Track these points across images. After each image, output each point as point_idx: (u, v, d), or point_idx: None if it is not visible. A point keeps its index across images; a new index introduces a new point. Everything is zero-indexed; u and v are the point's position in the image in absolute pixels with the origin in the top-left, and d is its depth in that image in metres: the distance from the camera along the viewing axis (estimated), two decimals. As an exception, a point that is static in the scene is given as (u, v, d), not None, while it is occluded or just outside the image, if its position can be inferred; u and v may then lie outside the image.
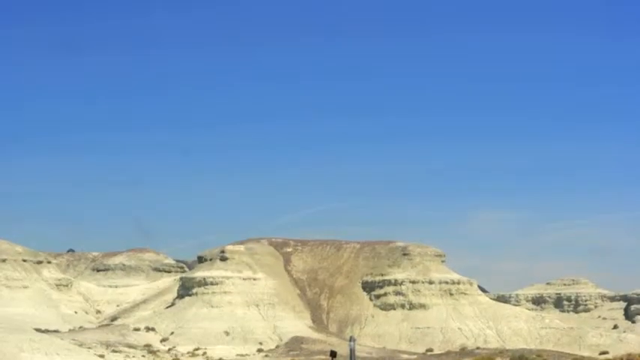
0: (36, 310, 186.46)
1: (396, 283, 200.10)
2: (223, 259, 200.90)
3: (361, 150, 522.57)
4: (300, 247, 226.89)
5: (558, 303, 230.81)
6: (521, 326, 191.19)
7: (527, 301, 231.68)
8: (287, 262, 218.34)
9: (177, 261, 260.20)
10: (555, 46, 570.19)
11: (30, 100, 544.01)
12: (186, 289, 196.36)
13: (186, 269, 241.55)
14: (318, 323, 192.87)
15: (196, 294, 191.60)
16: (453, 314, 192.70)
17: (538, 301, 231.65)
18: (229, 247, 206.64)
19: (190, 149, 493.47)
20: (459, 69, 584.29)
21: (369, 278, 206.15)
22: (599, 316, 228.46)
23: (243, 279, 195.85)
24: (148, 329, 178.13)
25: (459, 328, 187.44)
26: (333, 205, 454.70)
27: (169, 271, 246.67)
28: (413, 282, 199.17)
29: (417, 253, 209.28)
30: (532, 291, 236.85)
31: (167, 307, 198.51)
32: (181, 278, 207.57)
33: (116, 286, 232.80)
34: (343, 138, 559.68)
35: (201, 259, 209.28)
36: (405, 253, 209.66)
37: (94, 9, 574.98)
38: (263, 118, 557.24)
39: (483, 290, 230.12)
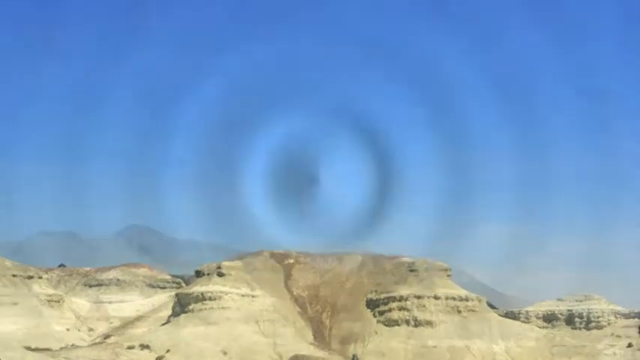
0: (26, 328, 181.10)
1: (400, 298, 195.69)
2: (220, 274, 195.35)
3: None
4: (301, 260, 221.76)
5: (570, 320, 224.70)
6: (531, 344, 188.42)
7: (538, 318, 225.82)
8: (287, 276, 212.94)
9: (174, 276, 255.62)
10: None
11: (23, 107, 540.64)
12: (182, 306, 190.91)
13: (183, 285, 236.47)
14: (320, 340, 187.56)
15: (193, 310, 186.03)
16: (461, 331, 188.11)
17: (549, 318, 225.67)
18: (226, 263, 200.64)
19: (188, 158, 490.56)
20: (463, 76, 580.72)
21: (374, 296, 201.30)
22: (613, 334, 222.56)
23: (242, 295, 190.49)
24: (142, 347, 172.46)
25: (466, 346, 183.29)
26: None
27: (164, 287, 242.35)
28: (418, 297, 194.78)
29: (423, 268, 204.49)
30: (542, 307, 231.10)
31: (162, 324, 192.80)
32: (177, 294, 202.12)
33: (109, 303, 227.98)
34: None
35: (198, 274, 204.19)
36: (412, 269, 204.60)
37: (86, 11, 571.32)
38: (262, 124, 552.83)
39: (492, 307, 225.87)
